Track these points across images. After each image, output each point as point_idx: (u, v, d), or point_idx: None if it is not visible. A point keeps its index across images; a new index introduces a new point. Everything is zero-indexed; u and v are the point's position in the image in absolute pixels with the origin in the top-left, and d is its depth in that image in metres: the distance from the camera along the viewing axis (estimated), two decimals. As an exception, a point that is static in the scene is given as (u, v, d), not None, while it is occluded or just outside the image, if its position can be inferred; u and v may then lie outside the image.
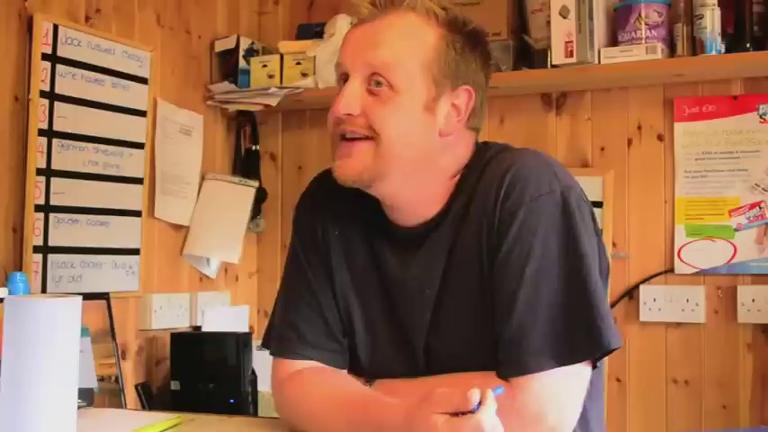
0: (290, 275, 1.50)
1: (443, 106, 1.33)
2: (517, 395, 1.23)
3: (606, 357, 1.30)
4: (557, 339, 1.24)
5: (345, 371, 1.43)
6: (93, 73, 2.41)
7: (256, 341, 2.70)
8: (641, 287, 2.58)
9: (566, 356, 1.24)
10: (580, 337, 1.24)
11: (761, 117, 2.51)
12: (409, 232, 1.38)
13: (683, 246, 2.56)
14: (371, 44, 1.32)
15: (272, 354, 1.46)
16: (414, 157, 1.32)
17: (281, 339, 1.44)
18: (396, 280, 1.39)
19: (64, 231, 2.32)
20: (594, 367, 1.29)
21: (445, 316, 1.34)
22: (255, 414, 2.51)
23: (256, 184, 2.97)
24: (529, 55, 2.63)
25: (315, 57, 2.82)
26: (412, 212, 1.37)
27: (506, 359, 1.26)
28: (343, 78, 1.36)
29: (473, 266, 1.31)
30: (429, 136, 1.33)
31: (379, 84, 1.31)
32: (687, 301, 2.52)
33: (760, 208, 2.50)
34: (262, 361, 2.59)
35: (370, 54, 1.31)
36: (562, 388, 1.25)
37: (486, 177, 1.33)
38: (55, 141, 2.30)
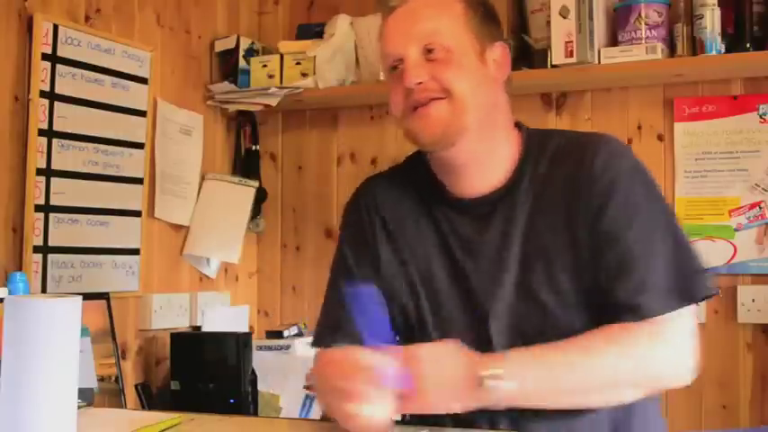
0: (333, 274, 1.61)
1: (489, 59, 1.48)
2: (656, 331, 1.36)
3: None
4: (678, 284, 1.38)
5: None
6: (93, 73, 2.41)
7: (256, 341, 2.71)
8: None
9: (689, 297, 1.39)
10: (694, 280, 1.41)
11: (761, 117, 2.51)
12: (480, 200, 1.49)
13: (683, 246, 2.56)
14: (414, 21, 1.46)
15: (311, 345, 1.56)
16: (482, 105, 1.45)
17: (319, 331, 1.56)
18: (470, 248, 1.48)
19: (64, 231, 2.32)
20: None
21: (527, 276, 1.43)
22: (255, 414, 2.51)
23: (256, 184, 2.97)
24: (529, 55, 2.63)
25: (315, 57, 2.82)
26: (481, 176, 1.49)
27: (639, 305, 1.37)
28: (393, 66, 1.48)
29: (559, 228, 1.42)
30: (489, 85, 1.48)
31: (432, 50, 1.44)
32: (687, 301, 2.52)
33: (760, 208, 2.50)
34: (262, 361, 2.61)
35: (417, 29, 1.45)
36: (691, 325, 1.40)
37: (563, 148, 1.48)
38: (55, 141, 2.30)
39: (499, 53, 1.50)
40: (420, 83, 1.43)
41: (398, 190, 1.58)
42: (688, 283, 1.40)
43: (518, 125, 1.55)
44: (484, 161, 1.49)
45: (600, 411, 1.40)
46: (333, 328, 1.51)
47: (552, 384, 1.33)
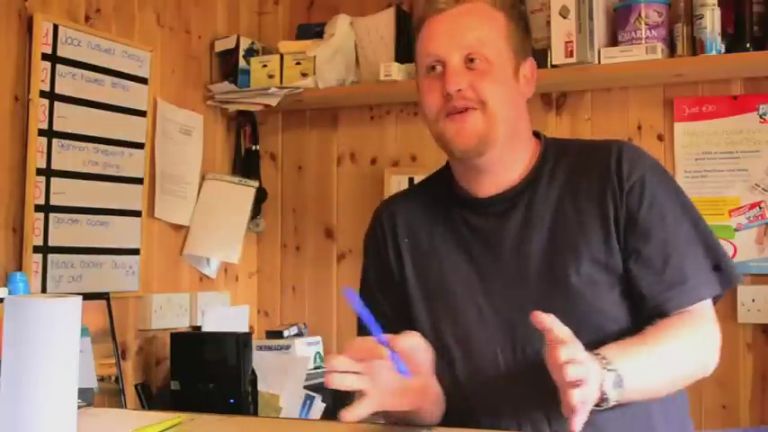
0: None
1: (521, 75, 1.55)
2: (699, 319, 1.44)
3: None
4: (710, 271, 1.47)
5: None
6: (93, 73, 2.41)
7: (256, 341, 2.71)
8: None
9: (726, 281, 1.48)
10: (726, 265, 1.48)
11: (761, 117, 2.51)
12: (498, 197, 1.53)
13: (683, 246, 2.55)
14: (464, 29, 1.50)
15: None
16: (511, 118, 1.51)
17: None
18: (489, 244, 1.52)
19: (64, 231, 2.32)
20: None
21: (552, 265, 1.47)
22: (255, 414, 2.51)
23: (256, 184, 2.97)
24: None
25: (315, 57, 2.82)
26: (498, 178, 1.53)
27: (678, 294, 1.44)
28: (431, 66, 1.51)
29: (588, 222, 1.47)
30: (518, 100, 1.55)
31: (473, 60, 1.48)
32: (687, 301, 2.52)
33: (760, 208, 2.50)
34: (262, 361, 2.61)
35: (466, 38, 1.49)
36: (714, 316, 1.48)
37: (583, 150, 1.56)
38: (55, 141, 2.30)
39: (529, 69, 1.56)
40: (460, 90, 1.47)
41: (414, 205, 1.63)
42: (721, 268, 1.48)
43: (536, 133, 1.61)
44: (506, 166, 1.54)
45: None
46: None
47: (652, 381, 1.37)
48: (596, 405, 1.24)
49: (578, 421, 1.18)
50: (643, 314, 1.45)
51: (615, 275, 1.46)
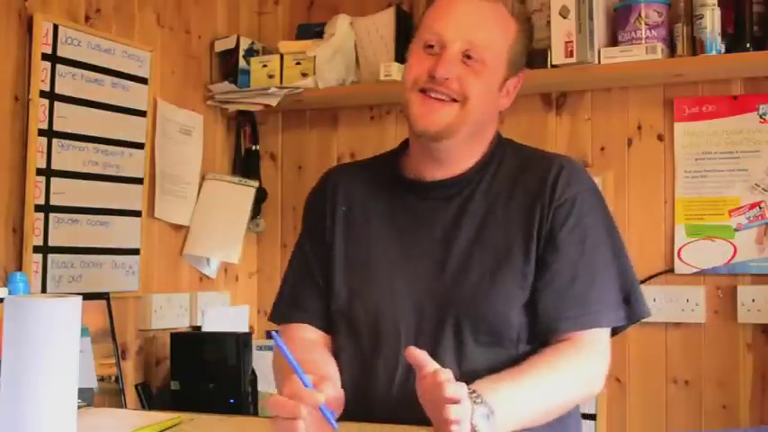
0: (292, 256, 1.70)
1: (506, 87, 1.58)
2: (587, 346, 1.46)
3: None
4: (614, 303, 1.50)
5: (318, 332, 1.60)
6: (93, 73, 2.41)
7: (256, 341, 2.71)
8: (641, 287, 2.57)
9: (620, 317, 1.51)
10: (629, 302, 1.51)
11: (761, 117, 2.51)
12: (440, 183, 1.56)
13: (683, 246, 2.56)
14: (476, 25, 1.52)
15: (269, 319, 1.68)
16: (481, 122, 1.55)
17: (278, 306, 1.66)
18: (419, 229, 1.55)
19: (64, 231, 2.32)
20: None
21: (468, 264, 1.50)
22: (255, 414, 2.51)
23: (256, 184, 2.97)
24: (529, 55, 2.63)
25: (315, 57, 2.82)
26: (449, 168, 1.56)
27: (575, 316, 1.47)
28: (430, 45, 1.52)
29: (513, 229, 1.50)
30: (493, 108, 1.58)
31: (470, 57, 1.50)
32: (687, 301, 2.52)
33: (760, 208, 2.50)
34: (262, 361, 2.60)
35: (475, 34, 1.51)
36: (608, 344, 1.51)
37: (529, 161, 1.58)
38: (55, 141, 2.30)
39: (513, 84, 1.60)
40: (447, 79, 1.49)
41: (362, 177, 1.66)
42: (630, 301, 1.52)
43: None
44: (459, 159, 1.57)
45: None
46: (292, 305, 1.62)
47: (526, 413, 1.37)
48: None
49: None
50: (537, 330, 1.48)
51: (526, 286, 1.49)
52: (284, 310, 1.64)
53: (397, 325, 1.51)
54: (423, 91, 1.51)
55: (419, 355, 1.24)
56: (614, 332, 1.54)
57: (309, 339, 1.59)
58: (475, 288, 1.48)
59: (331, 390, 1.30)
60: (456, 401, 1.19)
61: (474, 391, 1.27)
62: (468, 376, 1.33)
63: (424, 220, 1.56)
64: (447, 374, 1.21)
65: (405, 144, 1.66)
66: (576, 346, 1.46)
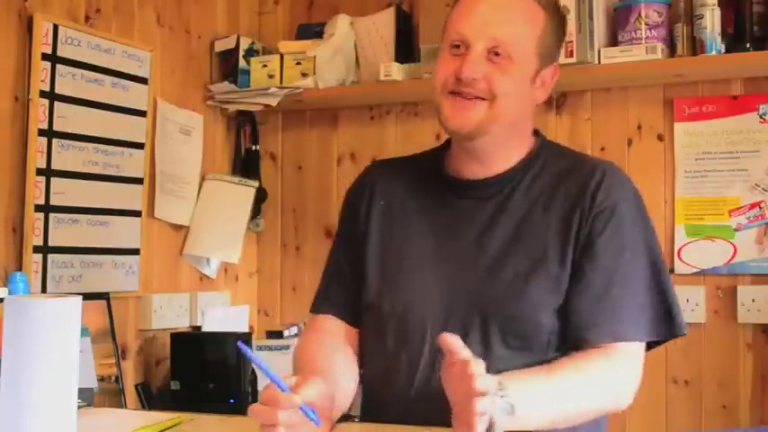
0: (330, 252, 1.70)
1: (539, 79, 1.54)
2: (619, 358, 1.43)
3: None
4: (648, 316, 1.47)
5: (341, 327, 1.61)
6: (93, 73, 2.41)
7: (256, 341, 2.71)
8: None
9: (655, 332, 1.48)
10: (665, 317, 1.48)
11: (761, 117, 2.51)
12: (480, 183, 1.55)
13: (682, 246, 2.56)
14: (498, 21, 1.49)
15: (310, 311, 1.68)
16: (514, 118, 1.52)
17: (314, 299, 1.67)
18: (456, 228, 1.54)
19: (64, 231, 2.32)
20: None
21: (502, 264, 1.48)
22: (255, 414, 2.50)
23: (256, 184, 2.97)
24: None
25: (315, 57, 2.82)
26: (488, 166, 1.55)
27: (607, 325, 1.44)
28: (456, 45, 1.50)
29: (551, 233, 1.48)
30: (528, 102, 1.55)
31: (497, 54, 1.48)
32: (687, 301, 2.52)
33: (760, 208, 2.50)
34: (262, 361, 2.60)
35: (497, 30, 1.48)
36: (641, 359, 1.47)
37: (571, 165, 1.55)
38: (55, 141, 2.30)
39: (549, 74, 1.56)
40: (474, 79, 1.47)
41: (401, 173, 1.65)
42: (671, 315, 1.49)
43: (536, 132, 1.62)
44: (498, 157, 1.55)
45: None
46: (322, 298, 1.65)
47: (546, 416, 1.35)
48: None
49: None
50: (567, 337, 1.46)
51: (559, 291, 1.46)
52: (316, 302, 1.66)
53: (424, 322, 1.49)
54: (452, 93, 1.49)
55: (452, 341, 1.23)
56: (649, 347, 1.50)
57: (331, 332, 1.59)
58: (506, 288, 1.46)
59: (312, 389, 1.27)
60: (484, 395, 1.18)
61: (499, 383, 1.25)
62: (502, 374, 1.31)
63: (461, 218, 1.54)
64: (478, 367, 1.20)
65: (449, 142, 1.64)
66: (606, 355, 1.43)
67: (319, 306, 1.65)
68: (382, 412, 1.49)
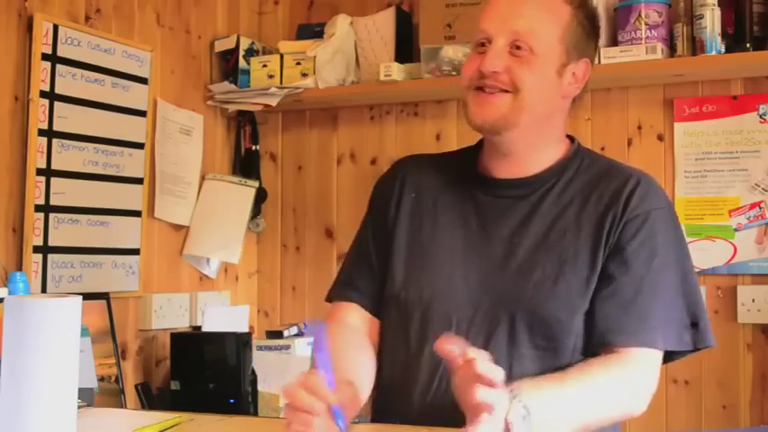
0: (354, 237, 1.69)
1: (568, 73, 1.53)
2: (637, 363, 1.43)
3: None
4: (675, 326, 1.47)
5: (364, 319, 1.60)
6: (93, 73, 2.41)
7: (256, 341, 2.71)
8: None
9: (680, 342, 1.47)
10: (695, 328, 1.48)
11: (761, 117, 2.51)
12: (513, 183, 1.55)
13: (683, 246, 2.56)
14: (517, 15, 1.50)
15: (325, 300, 1.68)
16: (541, 111, 1.52)
17: (333, 287, 1.67)
18: (487, 227, 1.53)
19: (64, 231, 2.32)
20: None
21: (531, 265, 1.48)
22: (255, 414, 2.51)
23: (256, 184, 2.97)
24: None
25: (315, 57, 2.82)
26: (519, 165, 1.55)
27: (632, 331, 1.44)
28: (481, 43, 1.52)
29: (582, 238, 1.48)
30: (555, 96, 1.53)
31: (519, 47, 1.48)
32: (687, 301, 2.52)
33: (760, 208, 2.50)
34: (262, 361, 2.60)
35: (516, 23, 1.49)
36: (658, 367, 1.47)
37: (606, 171, 1.55)
38: (55, 141, 2.30)
39: (581, 69, 1.56)
40: (495, 72, 1.48)
41: (433, 169, 1.65)
42: (699, 327, 1.48)
43: (570, 137, 1.62)
44: (528, 156, 1.55)
45: None
46: (345, 284, 1.64)
47: (563, 423, 1.34)
48: None
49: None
50: (591, 341, 1.46)
51: (588, 295, 1.46)
52: (337, 289, 1.65)
53: (449, 316, 1.49)
54: (477, 89, 1.51)
55: (449, 348, 1.21)
56: (671, 357, 1.49)
57: (352, 325, 1.59)
58: (535, 289, 1.46)
59: (348, 392, 1.28)
60: (487, 381, 1.16)
61: (514, 389, 1.24)
62: (518, 380, 1.30)
63: (492, 216, 1.54)
64: (481, 355, 1.19)
65: (482, 141, 1.64)
66: (624, 360, 1.43)
67: (342, 291, 1.63)
68: (400, 411, 1.47)
